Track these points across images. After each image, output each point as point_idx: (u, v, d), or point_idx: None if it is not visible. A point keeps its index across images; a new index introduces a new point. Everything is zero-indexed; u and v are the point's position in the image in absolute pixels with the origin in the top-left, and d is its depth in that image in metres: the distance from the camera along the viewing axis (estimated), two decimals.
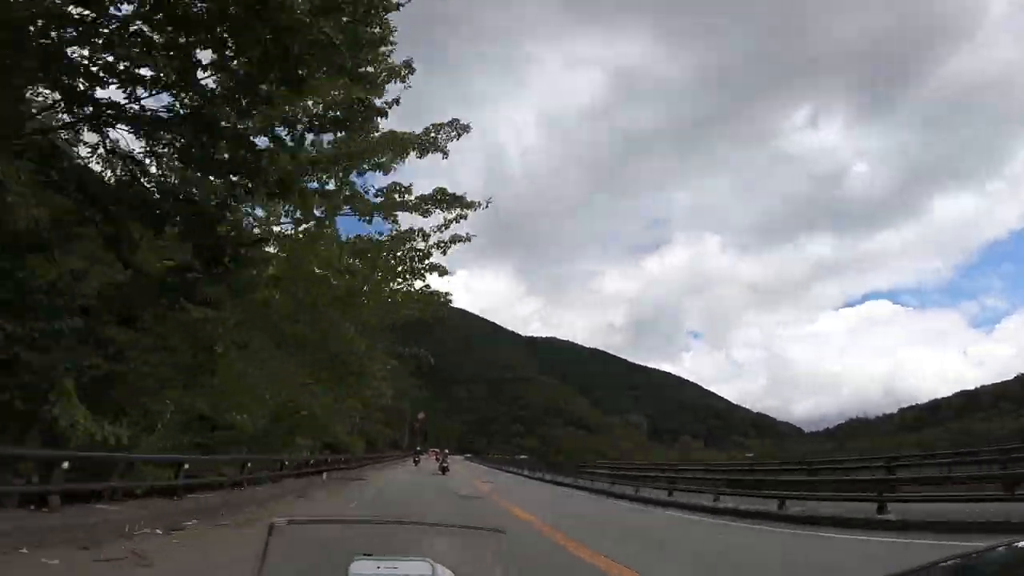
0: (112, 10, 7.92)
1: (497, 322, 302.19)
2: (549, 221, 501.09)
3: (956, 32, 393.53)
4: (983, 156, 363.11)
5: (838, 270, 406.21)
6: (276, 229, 17.62)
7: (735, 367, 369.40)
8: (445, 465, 31.48)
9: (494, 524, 1.57)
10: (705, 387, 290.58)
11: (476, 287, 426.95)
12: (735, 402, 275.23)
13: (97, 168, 10.07)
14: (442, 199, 17.44)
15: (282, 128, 11.28)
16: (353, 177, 16.72)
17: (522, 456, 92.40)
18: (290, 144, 11.49)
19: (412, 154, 16.29)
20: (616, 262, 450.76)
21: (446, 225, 18.09)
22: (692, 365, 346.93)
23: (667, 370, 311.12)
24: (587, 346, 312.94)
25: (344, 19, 8.43)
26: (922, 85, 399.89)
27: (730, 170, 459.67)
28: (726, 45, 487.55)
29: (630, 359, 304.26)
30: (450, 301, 24.34)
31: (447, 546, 1.45)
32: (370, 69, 11.39)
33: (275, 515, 1.35)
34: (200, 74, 8.90)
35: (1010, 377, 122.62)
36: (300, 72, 8.46)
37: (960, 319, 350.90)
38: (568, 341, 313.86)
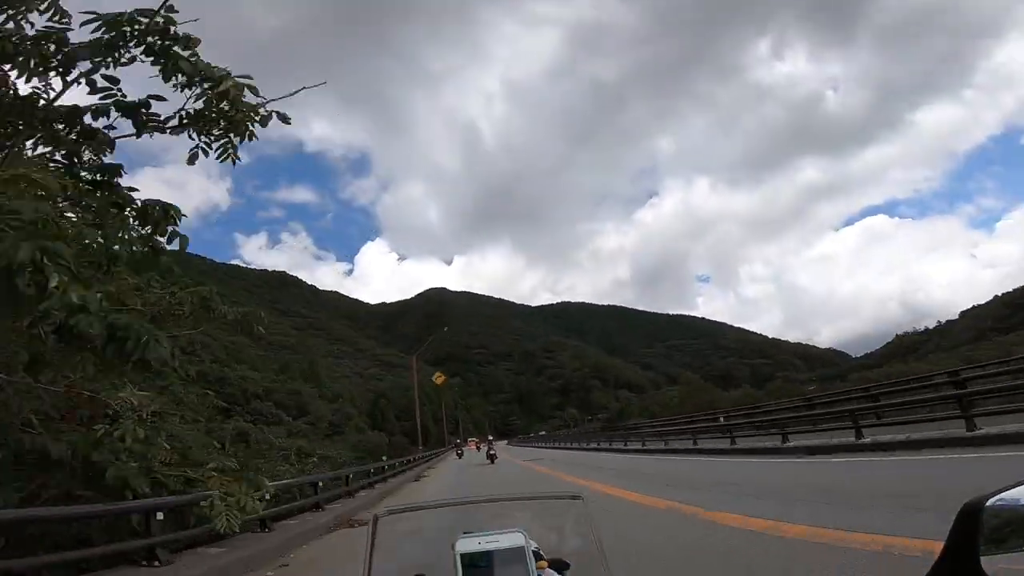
0: None
1: (506, 298, 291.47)
2: (536, 188, 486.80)
3: None
4: (953, 67, 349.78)
5: (830, 192, 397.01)
6: None
7: (750, 304, 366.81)
8: (492, 452, 29.33)
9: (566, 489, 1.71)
10: (736, 325, 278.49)
11: (477, 270, 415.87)
12: (771, 336, 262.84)
13: None
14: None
15: None
16: None
17: (565, 428, 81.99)
18: None
19: None
20: (610, 218, 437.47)
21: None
22: (707, 309, 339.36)
23: (692, 314, 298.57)
24: (602, 304, 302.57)
25: None
26: (878, 4, 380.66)
27: (706, 109, 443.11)
28: None
29: (649, 310, 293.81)
30: None
31: (532, 516, 1.63)
32: None
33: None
34: None
35: None
36: None
37: (960, 223, 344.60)
38: (582, 303, 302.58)
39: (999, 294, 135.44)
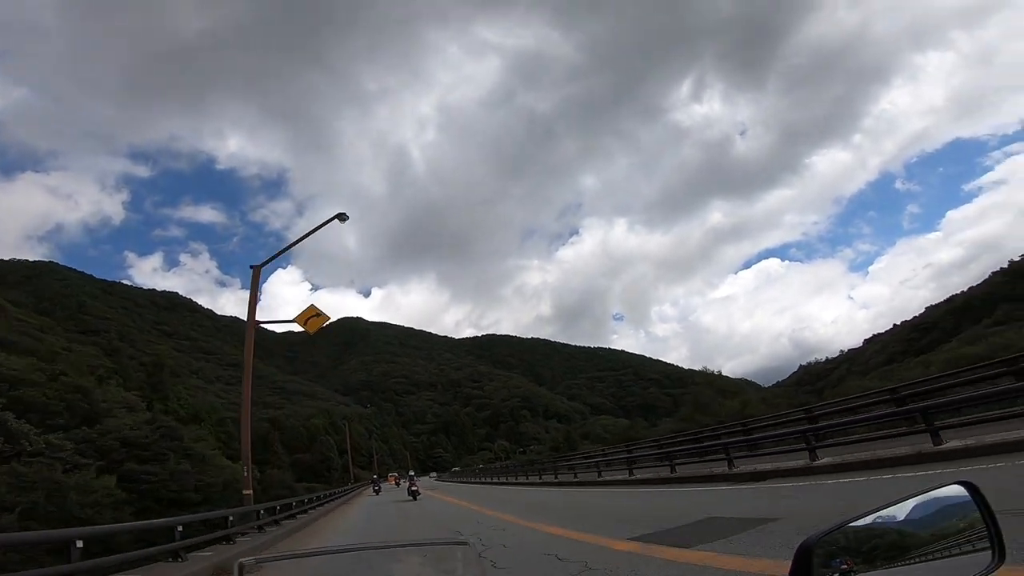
0: None
1: (428, 330, 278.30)
2: (464, 220, 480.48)
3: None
4: (845, 112, 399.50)
5: (734, 234, 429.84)
6: None
7: (659, 342, 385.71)
8: (415, 488, 26.67)
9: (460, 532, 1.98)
10: (656, 357, 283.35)
11: (398, 303, 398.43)
12: (687, 367, 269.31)
13: None
14: None
15: None
16: None
17: (497, 461, 72.93)
18: None
19: None
20: (535, 254, 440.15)
21: None
22: (622, 346, 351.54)
23: (613, 348, 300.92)
24: (527, 336, 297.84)
25: None
26: (784, 51, 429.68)
27: (630, 148, 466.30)
28: (613, 22, 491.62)
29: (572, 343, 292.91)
30: None
31: (417, 564, 1.61)
32: None
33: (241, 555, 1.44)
34: None
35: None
36: None
37: (841, 266, 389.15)
38: (507, 335, 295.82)
39: (898, 322, 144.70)
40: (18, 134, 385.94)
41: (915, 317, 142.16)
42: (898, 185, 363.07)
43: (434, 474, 74.58)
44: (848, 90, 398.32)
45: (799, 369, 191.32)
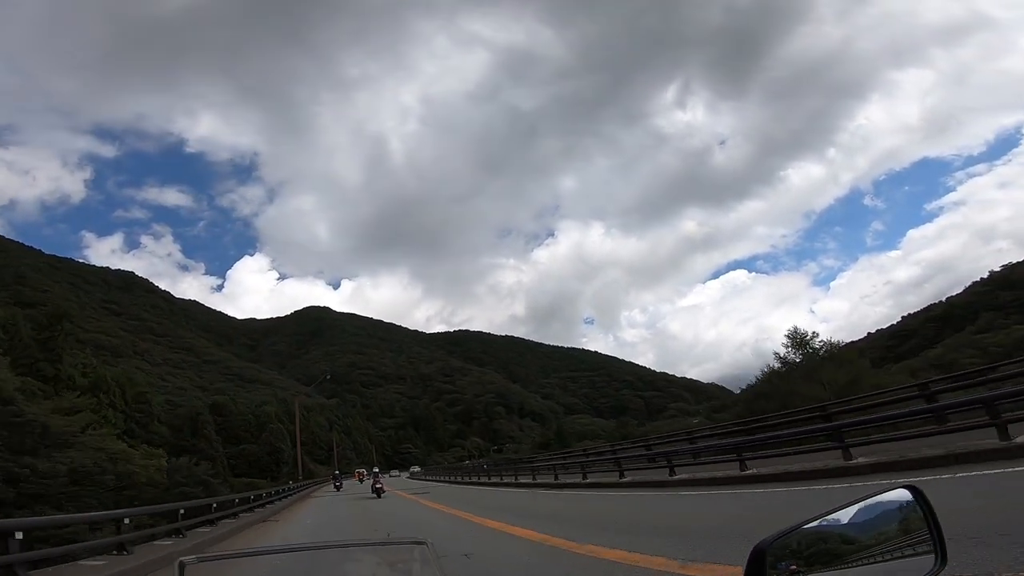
0: None
1: (399, 323, 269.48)
2: (440, 215, 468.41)
3: (795, 12, 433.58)
4: (821, 125, 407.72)
5: (705, 244, 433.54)
6: None
7: (627, 347, 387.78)
8: (379, 486, 25.49)
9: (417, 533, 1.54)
10: (629, 360, 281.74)
11: (367, 296, 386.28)
12: (658, 370, 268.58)
13: None
14: None
15: None
16: None
17: (470, 459, 67.21)
18: None
19: None
20: (512, 253, 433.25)
21: None
22: (591, 349, 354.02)
23: (587, 348, 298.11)
24: (500, 334, 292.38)
25: None
26: (769, 63, 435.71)
27: (610, 152, 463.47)
28: (606, 22, 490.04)
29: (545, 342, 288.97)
30: None
31: (371, 565, 1.53)
32: None
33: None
34: None
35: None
36: None
37: (804, 280, 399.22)
38: (480, 331, 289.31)
39: (873, 330, 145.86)
40: None
41: (892, 325, 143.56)
42: (866, 201, 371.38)
43: (403, 472, 67.24)
44: (827, 104, 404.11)
45: (763, 373, 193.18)
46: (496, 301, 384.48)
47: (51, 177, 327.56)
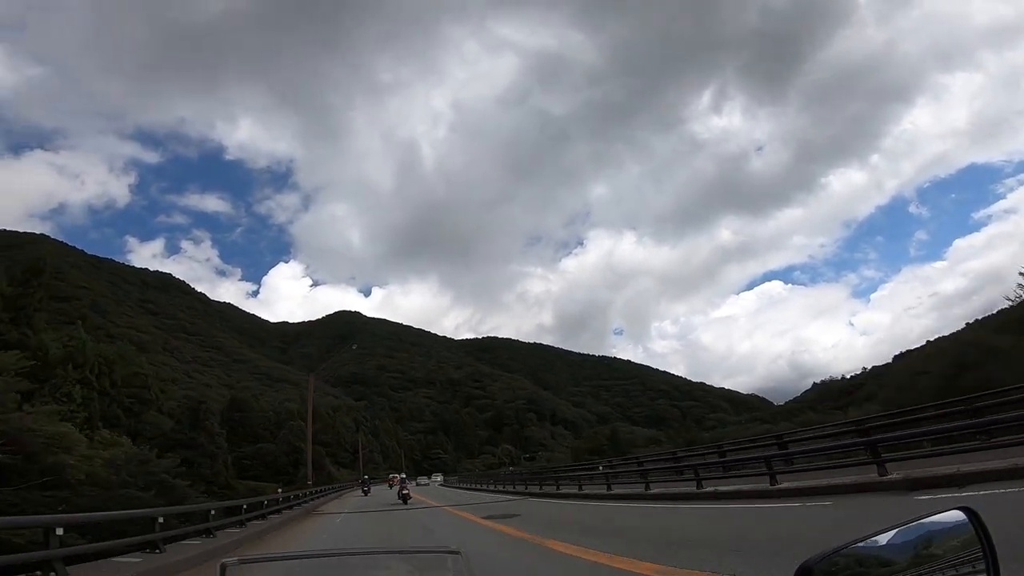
0: None
1: (428, 330, 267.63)
2: (470, 221, 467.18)
3: (834, 15, 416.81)
4: (865, 130, 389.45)
5: (740, 254, 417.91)
6: None
7: (657, 358, 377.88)
8: (405, 492, 25.66)
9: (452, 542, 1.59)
10: (664, 369, 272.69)
11: (397, 303, 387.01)
12: (695, 380, 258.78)
13: None
14: None
15: None
16: None
17: (510, 467, 62.84)
18: None
19: None
20: (539, 261, 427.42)
21: None
22: (624, 358, 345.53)
23: (619, 356, 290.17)
24: (528, 341, 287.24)
25: None
26: (809, 66, 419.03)
27: (644, 158, 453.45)
28: (638, 26, 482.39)
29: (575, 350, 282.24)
30: None
31: (405, 572, 1.56)
32: None
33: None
34: None
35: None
36: None
37: (843, 292, 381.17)
38: (508, 338, 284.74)
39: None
40: (32, 111, 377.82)
41: (953, 333, 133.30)
42: (911, 209, 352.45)
43: (437, 477, 60.70)
44: (870, 108, 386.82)
45: (813, 386, 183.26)
46: (524, 310, 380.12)
47: (99, 182, 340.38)
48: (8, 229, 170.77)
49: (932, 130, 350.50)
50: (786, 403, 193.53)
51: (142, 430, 28.47)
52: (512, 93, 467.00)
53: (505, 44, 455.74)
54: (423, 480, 57.42)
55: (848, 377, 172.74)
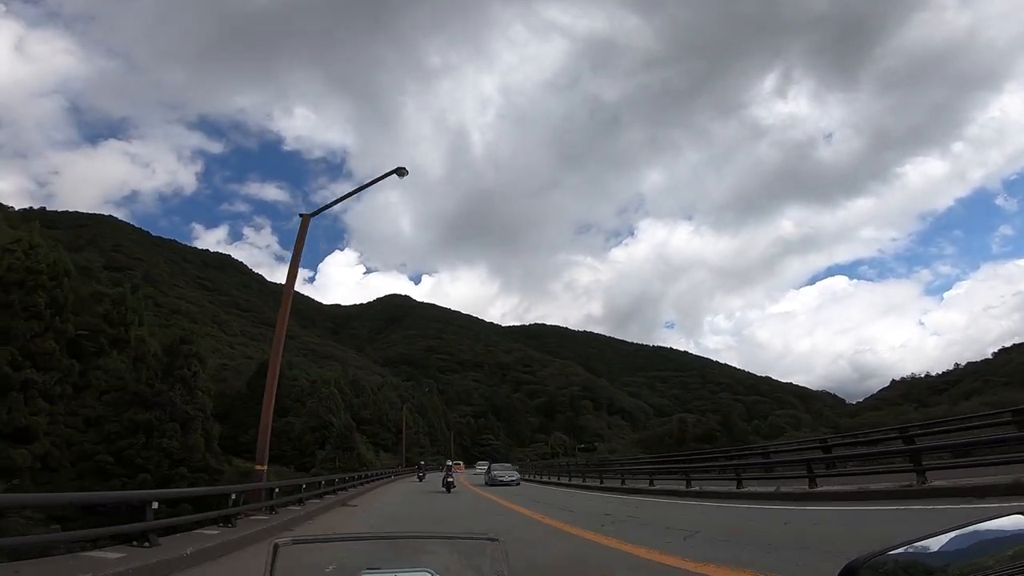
0: None
1: (476, 316, 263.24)
2: (519, 208, 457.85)
3: None
4: (946, 119, 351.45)
5: (802, 246, 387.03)
6: None
7: (710, 354, 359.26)
8: (450, 480, 24.31)
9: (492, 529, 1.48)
10: (724, 362, 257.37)
11: (446, 291, 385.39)
12: (760, 374, 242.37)
13: None
14: None
15: None
16: None
17: (554, 457, 55.45)
18: None
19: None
20: (588, 251, 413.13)
21: None
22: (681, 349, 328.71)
23: (675, 348, 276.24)
24: (579, 329, 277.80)
25: None
26: (884, 51, 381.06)
27: (702, 144, 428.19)
28: (698, 6, 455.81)
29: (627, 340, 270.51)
30: None
31: (446, 556, 1.65)
32: None
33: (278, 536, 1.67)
34: None
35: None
36: None
37: (915, 289, 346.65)
38: (557, 326, 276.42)
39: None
40: (103, 101, 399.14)
41: None
42: (998, 202, 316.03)
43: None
44: (952, 95, 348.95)
45: (892, 383, 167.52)
46: (572, 299, 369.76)
47: (168, 170, 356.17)
48: (81, 211, 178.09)
49: (1023, 118, 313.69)
50: (865, 400, 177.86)
51: (94, 380, 23.38)
52: (562, 77, 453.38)
53: (554, 27, 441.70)
54: (496, 469, 32.93)
55: (937, 374, 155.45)
